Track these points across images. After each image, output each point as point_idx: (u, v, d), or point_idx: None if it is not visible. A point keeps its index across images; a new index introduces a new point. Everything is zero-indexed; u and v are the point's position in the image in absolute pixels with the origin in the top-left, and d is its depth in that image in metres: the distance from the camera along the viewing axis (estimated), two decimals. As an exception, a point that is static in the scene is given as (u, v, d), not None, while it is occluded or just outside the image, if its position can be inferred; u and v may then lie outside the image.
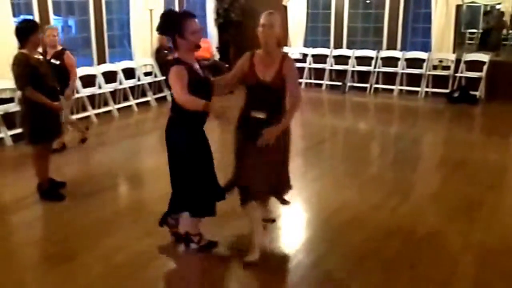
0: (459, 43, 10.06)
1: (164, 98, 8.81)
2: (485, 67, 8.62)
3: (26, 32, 4.08)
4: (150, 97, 8.58)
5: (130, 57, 8.54)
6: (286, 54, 3.28)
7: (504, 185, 4.91)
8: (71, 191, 4.47)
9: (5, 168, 5.46)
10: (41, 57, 4.32)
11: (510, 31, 10.78)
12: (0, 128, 6.15)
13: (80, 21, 7.93)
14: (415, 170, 5.50)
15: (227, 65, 10.04)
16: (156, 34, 8.90)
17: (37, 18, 6.76)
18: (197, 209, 3.21)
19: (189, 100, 2.88)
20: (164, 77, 8.80)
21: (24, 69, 4.03)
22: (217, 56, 10.29)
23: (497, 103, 8.39)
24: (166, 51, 9.03)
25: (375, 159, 5.98)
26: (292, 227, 3.91)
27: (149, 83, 8.63)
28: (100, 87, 7.71)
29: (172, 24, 2.97)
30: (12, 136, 6.11)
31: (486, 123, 7.88)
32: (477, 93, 8.61)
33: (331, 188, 4.74)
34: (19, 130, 6.17)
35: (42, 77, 4.14)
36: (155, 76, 8.76)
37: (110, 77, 7.92)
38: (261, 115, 3.06)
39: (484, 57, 8.79)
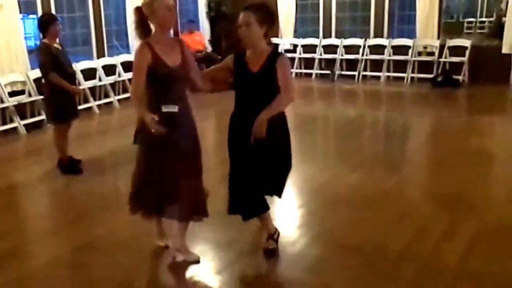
0: (464, 32, 10.26)
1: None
2: (467, 52, 9.04)
3: (46, 24, 4.61)
4: (147, 89, 8.93)
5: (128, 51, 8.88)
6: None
7: (489, 164, 5.32)
8: (87, 167, 5.03)
9: (24, 153, 6.12)
10: (59, 46, 4.76)
11: (486, 19, 11.20)
12: (14, 117, 6.59)
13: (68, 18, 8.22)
14: (404, 149, 5.92)
15: (219, 57, 10.38)
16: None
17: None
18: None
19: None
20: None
21: (46, 57, 4.55)
22: (209, 49, 10.60)
23: (479, 86, 8.80)
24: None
25: (365, 140, 6.38)
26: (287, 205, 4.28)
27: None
28: (100, 80, 8.05)
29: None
30: (25, 125, 6.65)
31: (468, 105, 8.31)
32: (460, 77, 9.02)
33: (324, 167, 5.15)
34: (31, 120, 6.74)
35: (62, 64, 4.66)
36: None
37: (109, 70, 8.27)
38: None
39: (466, 42, 9.20)
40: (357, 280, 2.91)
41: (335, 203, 4.08)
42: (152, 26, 2.94)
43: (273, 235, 3.26)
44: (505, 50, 8.78)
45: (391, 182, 4.53)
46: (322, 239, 3.47)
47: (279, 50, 10.83)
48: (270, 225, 3.28)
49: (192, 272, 3.05)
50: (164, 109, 2.84)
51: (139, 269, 3.13)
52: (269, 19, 3.02)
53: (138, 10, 2.90)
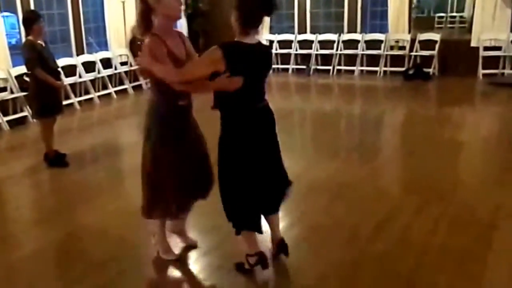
0: (435, 27, 10.59)
1: (140, 86, 9.28)
2: (437, 46, 9.40)
3: (30, 21, 4.72)
4: (127, 85, 9.02)
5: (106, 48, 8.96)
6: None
7: (457, 151, 5.63)
8: (72, 160, 5.17)
9: (8, 148, 6.21)
10: (43, 43, 4.86)
11: (456, 13, 11.62)
12: (-3, 114, 6.68)
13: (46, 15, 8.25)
14: (377, 139, 6.20)
15: (197, 54, 10.49)
16: (130, 26, 9.33)
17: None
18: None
19: None
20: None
21: (32, 53, 4.67)
22: (187, 45, 10.70)
23: (448, 78, 9.18)
24: (139, 42, 9.45)
25: (340, 132, 6.64)
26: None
27: (125, 72, 9.06)
28: (80, 76, 8.12)
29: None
30: (8, 122, 6.73)
31: (438, 97, 8.67)
32: (430, 70, 9.38)
33: (300, 158, 5.38)
34: (14, 116, 6.81)
35: (46, 60, 4.76)
36: (130, 65, 9.18)
37: (89, 67, 8.35)
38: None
39: (436, 36, 9.56)
40: (334, 257, 3.13)
41: (312, 190, 4.31)
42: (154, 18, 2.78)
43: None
44: (473, 43, 9.17)
45: (365, 170, 4.79)
46: (301, 222, 3.69)
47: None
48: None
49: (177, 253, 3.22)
50: (181, 102, 2.84)
51: (124, 257, 3.23)
52: None
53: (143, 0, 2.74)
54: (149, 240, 3.39)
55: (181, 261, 3.16)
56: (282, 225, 3.61)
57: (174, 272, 3.08)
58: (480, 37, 9.04)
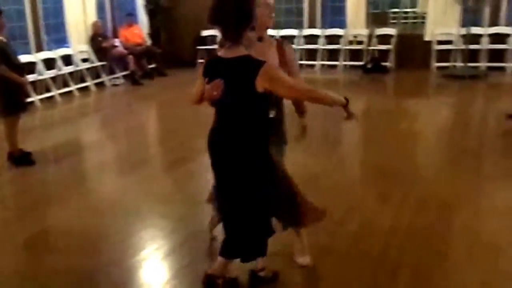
0: (390, 22, 10.93)
1: (102, 83, 9.18)
2: (393, 40, 9.76)
3: None
4: (89, 82, 8.89)
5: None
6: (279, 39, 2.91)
7: (415, 139, 5.92)
8: (38, 159, 5.08)
9: None
10: (5, 39, 4.76)
11: (410, 9, 12.06)
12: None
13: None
14: (340, 130, 6.40)
15: (159, 51, 10.48)
16: (90, 22, 9.20)
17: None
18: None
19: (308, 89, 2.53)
20: (100, 63, 9.19)
21: None
22: (149, 42, 10.64)
23: (404, 71, 9.54)
24: (100, 38, 9.34)
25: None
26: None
27: (87, 69, 8.93)
28: (41, 74, 7.95)
29: (246, 12, 2.38)
30: None
31: (396, 89, 9.04)
32: (387, 64, 9.73)
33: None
34: None
35: (9, 57, 4.66)
36: (92, 62, 9.07)
37: (49, 64, 8.18)
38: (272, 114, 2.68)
39: (392, 31, 9.92)
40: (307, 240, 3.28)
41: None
42: None
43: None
44: (427, 38, 9.58)
45: (332, 160, 4.98)
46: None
47: (217, 42, 11.08)
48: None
49: (142, 256, 3.21)
50: (271, 114, 2.64)
51: (93, 255, 3.23)
52: None
53: None
54: (117, 237, 3.42)
55: (147, 261, 3.16)
56: None
57: (141, 271, 3.08)
58: (433, 31, 9.46)
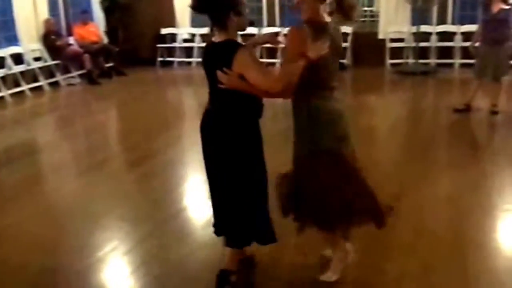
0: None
1: (57, 83, 8.98)
2: (349, 38, 9.97)
3: None
4: (42, 82, 8.67)
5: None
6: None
7: (373, 134, 6.08)
8: None
9: None
10: None
11: (367, 8, 12.36)
12: None
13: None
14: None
15: (117, 49, 10.32)
16: (42, 19, 8.96)
17: None
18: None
19: (283, 75, 2.36)
20: (54, 62, 8.97)
21: None
22: (106, 40, 10.47)
23: (360, 68, 9.77)
24: (53, 37, 9.12)
25: (266, 122, 6.87)
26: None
27: (40, 68, 8.71)
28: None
29: None
30: None
31: (353, 86, 9.23)
32: (344, 61, 9.94)
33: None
34: None
35: None
36: (45, 61, 8.85)
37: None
38: None
39: (348, 29, 10.11)
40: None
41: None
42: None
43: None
44: (381, 36, 9.85)
45: (287, 157, 5.03)
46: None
47: (178, 40, 11.06)
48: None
49: (96, 257, 3.21)
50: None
51: (46, 255, 3.22)
52: None
53: None
54: (71, 239, 3.41)
55: (101, 262, 3.16)
56: (208, 212, 3.78)
57: (96, 272, 3.05)
58: (386, 30, 9.74)
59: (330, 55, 2.39)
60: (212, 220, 2.79)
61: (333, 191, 2.48)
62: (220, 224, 2.69)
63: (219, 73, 2.41)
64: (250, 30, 10.40)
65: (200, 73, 10.14)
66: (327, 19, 2.44)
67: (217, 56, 2.47)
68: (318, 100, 2.48)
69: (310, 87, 2.45)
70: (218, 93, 2.51)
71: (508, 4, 5.89)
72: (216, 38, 2.51)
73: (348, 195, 2.50)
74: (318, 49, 2.32)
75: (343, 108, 2.57)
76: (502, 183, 4.16)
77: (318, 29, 2.38)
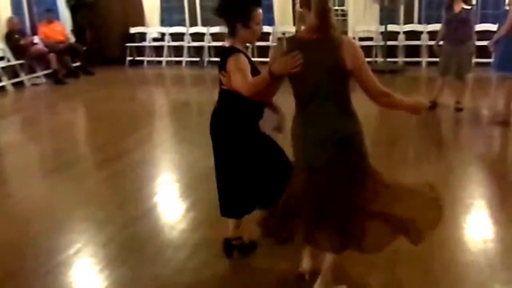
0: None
1: (21, 83, 8.75)
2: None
3: None
4: (5, 82, 8.43)
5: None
6: None
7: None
8: None
9: None
10: None
11: (338, 7, 12.46)
12: None
13: None
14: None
15: (84, 48, 10.15)
16: (4, 18, 8.71)
17: None
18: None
19: (249, 84, 2.44)
20: (18, 61, 8.74)
21: None
22: (72, 39, 10.28)
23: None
24: (17, 36, 8.89)
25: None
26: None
27: (3, 68, 8.47)
28: None
29: (238, 10, 2.63)
30: None
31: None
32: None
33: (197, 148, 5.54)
34: None
35: None
36: (8, 60, 8.61)
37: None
38: None
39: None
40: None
41: (207, 175, 4.47)
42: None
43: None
44: (349, 34, 9.92)
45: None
46: (198, 205, 3.85)
47: (147, 39, 10.95)
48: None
49: (75, 248, 3.21)
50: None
51: (5, 259, 3.15)
52: None
53: None
54: (32, 242, 3.33)
55: (78, 254, 3.16)
56: (181, 207, 3.83)
57: (57, 276, 2.98)
58: (354, 28, 9.86)
59: (306, 71, 2.25)
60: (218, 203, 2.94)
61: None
62: (223, 202, 2.92)
63: (219, 74, 2.67)
64: (265, 28, 10.47)
65: (170, 72, 10.32)
66: (307, 33, 2.31)
67: (221, 60, 2.70)
68: (295, 113, 2.44)
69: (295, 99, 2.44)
70: (221, 93, 2.78)
71: (469, 4, 6.04)
72: (225, 43, 2.74)
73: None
74: (282, 65, 2.25)
75: (315, 128, 2.37)
76: (466, 178, 4.26)
77: (294, 43, 2.30)
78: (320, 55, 2.26)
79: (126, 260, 3.06)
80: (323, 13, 2.24)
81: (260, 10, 2.66)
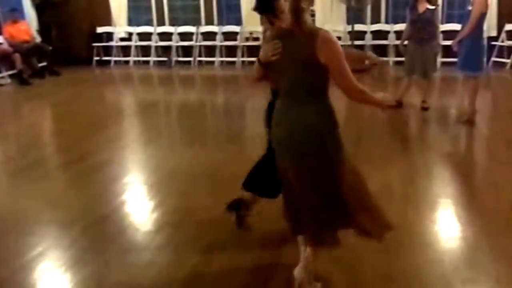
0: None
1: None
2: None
3: None
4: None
5: None
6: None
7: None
8: None
9: None
10: None
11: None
12: None
13: None
14: (237, 126, 6.52)
15: (50, 48, 9.94)
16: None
17: None
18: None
19: (254, 71, 2.57)
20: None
21: None
22: (38, 39, 10.05)
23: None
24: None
25: (202, 120, 6.84)
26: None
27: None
28: None
29: (267, 5, 2.71)
30: None
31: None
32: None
33: (166, 149, 5.48)
34: None
35: None
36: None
37: None
38: None
39: (286, 28, 10.26)
40: (192, 234, 3.31)
41: (173, 175, 4.45)
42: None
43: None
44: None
45: (223, 156, 5.00)
46: (162, 206, 3.81)
47: (114, 39, 10.80)
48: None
49: (37, 251, 3.14)
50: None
51: None
52: None
53: None
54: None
55: (39, 257, 3.09)
56: (147, 207, 3.79)
57: (26, 272, 2.94)
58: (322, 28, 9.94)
59: (284, 61, 2.35)
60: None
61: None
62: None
63: None
64: (188, 28, 10.40)
65: (138, 72, 10.19)
66: (284, 24, 2.38)
67: None
68: (276, 102, 2.53)
69: None
70: None
71: (434, 4, 6.16)
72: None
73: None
74: (264, 52, 2.40)
75: (287, 117, 2.43)
76: (432, 177, 4.27)
77: (277, 33, 2.43)
78: (296, 47, 2.33)
79: (89, 262, 3.00)
80: (296, 10, 2.31)
81: (283, 0, 2.55)
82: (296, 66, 2.35)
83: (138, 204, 3.93)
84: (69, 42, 10.76)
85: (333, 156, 2.43)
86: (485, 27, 5.94)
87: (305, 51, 2.30)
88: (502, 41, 9.16)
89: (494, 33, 9.11)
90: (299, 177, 2.44)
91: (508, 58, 9.13)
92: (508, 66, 9.10)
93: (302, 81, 2.37)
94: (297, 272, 2.59)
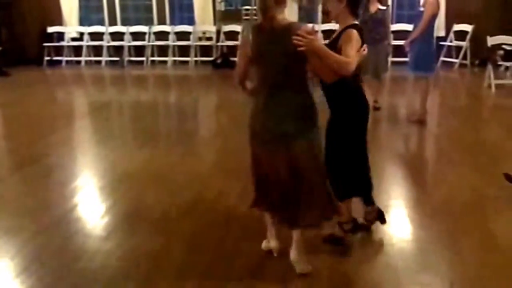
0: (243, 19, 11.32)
1: None
2: (239, 36, 10.08)
3: None
4: None
5: None
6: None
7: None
8: None
9: None
10: None
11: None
12: None
13: None
14: (189, 125, 6.46)
15: (0, 48, 9.60)
16: None
17: None
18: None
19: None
20: None
21: None
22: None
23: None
24: None
25: (154, 120, 6.73)
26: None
27: None
28: None
29: None
30: None
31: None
32: (236, 59, 10.04)
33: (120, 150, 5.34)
34: None
35: None
36: None
37: None
38: None
39: (237, 27, 10.22)
40: (144, 240, 3.22)
41: (125, 178, 4.34)
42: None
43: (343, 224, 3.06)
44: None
45: (176, 156, 4.91)
46: (112, 211, 3.71)
47: (65, 39, 10.49)
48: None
49: None
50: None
51: None
52: None
53: None
54: None
55: None
56: (99, 211, 3.69)
57: None
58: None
59: (265, 55, 2.58)
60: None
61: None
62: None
63: None
64: (140, 28, 10.19)
65: (89, 72, 9.93)
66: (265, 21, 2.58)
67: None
68: (258, 93, 2.70)
69: None
70: None
71: (384, 5, 6.29)
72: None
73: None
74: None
75: (264, 106, 2.64)
76: (383, 177, 4.17)
77: (254, 29, 2.62)
78: (274, 41, 2.53)
79: (36, 271, 2.88)
80: (264, 9, 2.52)
81: None
82: (276, 59, 2.56)
83: (88, 209, 3.82)
84: (19, 42, 10.43)
85: (317, 140, 2.69)
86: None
87: (281, 44, 2.51)
88: (451, 41, 9.51)
89: (442, 33, 9.43)
90: (284, 161, 2.61)
91: (457, 58, 9.49)
92: (456, 66, 9.45)
93: (283, 73, 2.57)
94: (292, 254, 2.75)
